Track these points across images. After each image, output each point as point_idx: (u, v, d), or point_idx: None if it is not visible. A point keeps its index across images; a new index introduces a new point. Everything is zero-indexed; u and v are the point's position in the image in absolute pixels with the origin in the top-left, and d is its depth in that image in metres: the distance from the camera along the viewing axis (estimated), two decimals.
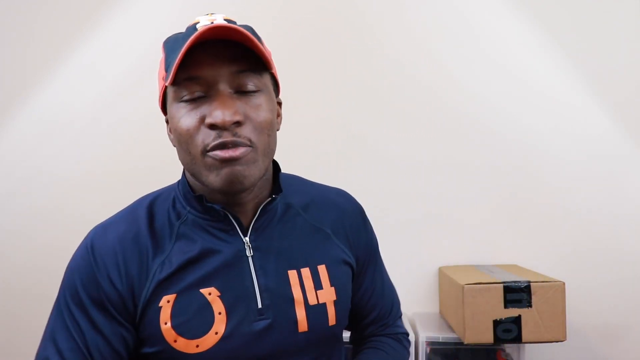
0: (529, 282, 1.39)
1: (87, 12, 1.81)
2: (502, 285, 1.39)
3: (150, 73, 1.87)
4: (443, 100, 1.76)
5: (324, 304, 0.84)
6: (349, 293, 0.89)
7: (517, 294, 1.38)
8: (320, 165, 1.75)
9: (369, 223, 0.98)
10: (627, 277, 1.71)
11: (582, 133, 1.73)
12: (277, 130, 0.84)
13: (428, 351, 1.51)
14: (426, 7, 1.77)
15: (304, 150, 1.76)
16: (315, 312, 0.83)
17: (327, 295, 0.84)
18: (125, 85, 1.81)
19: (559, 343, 1.40)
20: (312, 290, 0.83)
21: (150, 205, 0.86)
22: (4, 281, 1.79)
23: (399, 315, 1.04)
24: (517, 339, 1.39)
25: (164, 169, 1.84)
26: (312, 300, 0.83)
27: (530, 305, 1.38)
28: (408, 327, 1.56)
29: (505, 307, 1.38)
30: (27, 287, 1.78)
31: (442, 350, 1.54)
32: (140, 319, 0.78)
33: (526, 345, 1.54)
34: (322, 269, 0.85)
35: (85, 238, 0.83)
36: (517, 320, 1.38)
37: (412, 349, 1.48)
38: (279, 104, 0.87)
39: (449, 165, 1.76)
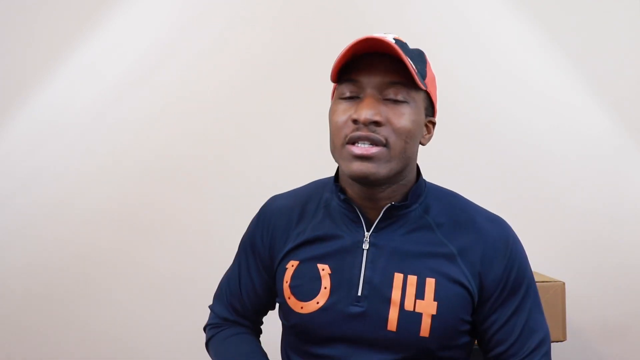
0: None
1: (87, 12, 1.81)
2: None
3: (151, 73, 1.88)
4: (443, 100, 1.75)
5: (420, 314, 0.87)
6: (457, 314, 0.89)
7: None
8: (320, 166, 1.74)
9: (518, 256, 0.95)
10: (627, 277, 1.71)
11: (582, 133, 1.73)
12: (422, 144, 0.94)
13: None
14: (426, 7, 1.77)
15: (304, 150, 1.76)
16: (408, 317, 0.87)
17: (426, 307, 0.87)
18: (126, 85, 1.81)
19: (559, 343, 1.40)
20: (412, 297, 0.88)
21: (313, 188, 1.02)
22: (4, 280, 1.79)
23: None
24: None
25: (164, 168, 1.85)
26: (409, 306, 0.87)
27: None
28: None
29: None
30: (28, 286, 1.78)
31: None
32: (275, 273, 0.97)
33: None
34: (429, 282, 0.88)
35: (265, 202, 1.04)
36: None
37: None
38: (433, 123, 0.97)
39: (449, 165, 1.76)
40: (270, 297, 1.01)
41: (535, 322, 0.94)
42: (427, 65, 0.94)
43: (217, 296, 1.07)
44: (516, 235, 0.98)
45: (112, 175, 1.79)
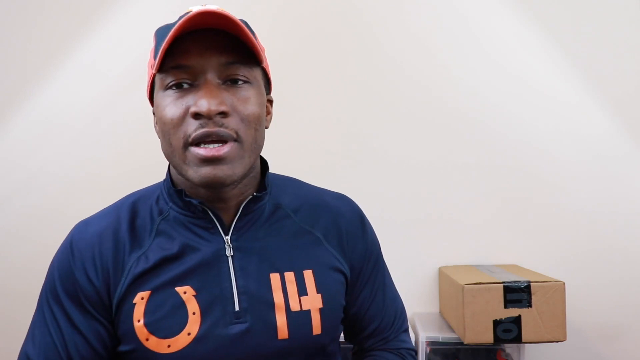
0: (529, 282, 1.39)
1: (87, 12, 1.81)
2: (502, 285, 1.39)
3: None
4: (442, 100, 1.76)
5: (308, 311, 0.79)
6: (339, 301, 0.84)
7: (517, 294, 1.38)
8: (320, 166, 1.75)
9: (370, 230, 0.93)
10: (627, 277, 1.71)
11: (582, 133, 1.73)
12: (267, 127, 0.83)
13: (428, 351, 1.51)
14: (426, 7, 1.77)
15: (303, 150, 1.76)
16: (298, 319, 0.78)
17: (312, 302, 0.80)
18: (126, 85, 1.81)
19: (559, 343, 1.40)
20: (295, 295, 0.79)
21: (135, 202, 0.84)
22: (3, 281, 1.79)
23: (403, 329, 0.96)
24: (517, 339, 1.38)
25: (164, 169, 1.85)
26: (295, 307, 0.78)
27: (530, 305, 1.38)
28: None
29: (505, 307, 1.38)
30: (26, 288, 1.78)
31: (442, 350, 1.54)
32: (115, 315, 0.77)
33: (526, 345, 1.54)
34: (308, 274, 0.81)
35: (68, 233, 0.83)
36: (517, 320, 1.38)
37: None
38: (270, 101, 0.86)
39: (449, 165, 1.76)
40: (108, 348, 0.78)
41: (394, 291, 0.96)
42: (256, 36, 0.81)
43: None
44: (362, 210, 0.95)
45: (112, 176, 1.79)
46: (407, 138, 1.77)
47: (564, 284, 1.39)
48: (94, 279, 0.77)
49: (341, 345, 0.94)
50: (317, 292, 0.80)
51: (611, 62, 1.72)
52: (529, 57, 1.74)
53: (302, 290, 0.80)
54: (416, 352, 0.98)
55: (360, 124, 1.77)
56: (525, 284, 1.38)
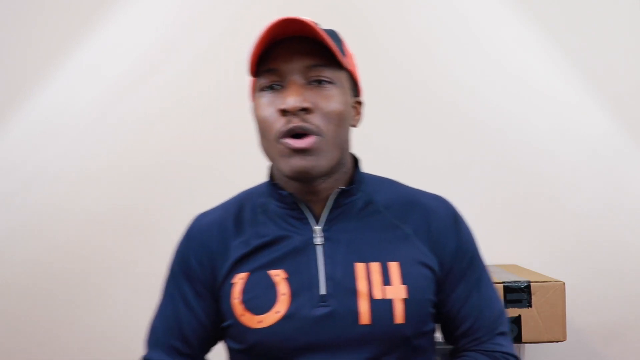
0: (529, 282, 1.39)
1: (87, 12, 1.81)
2: (502, 285, 1.39)
3: (151, 72, 1.88)
4: (443, 100, 1.76)
5: (390, 300, 0.83)
6: (426, 296, 0.86)
7: (517, 294, 1.38)
8: None
9: (465, 229, 0.95)
10: (627, 277, 1.71)
11: (582, 132, 1.73)
12: (354, 126, 0.91)
13: None
14: (426, 7, 1.77)
15: None
16: (380, 306, 0.82)
17: (396, 292, 0.83)
18: (126, 85, 1.81)
19: (559, 343, 1.40)
20: (379, 284, 0.83)
21: (242, 198, 0.95)
22: (5, 280, 1.79)
23: (499, 331, 0.92)
24: (517, 339, 1.38)
25: (165, 169, 1.85)
26: (378, 295, 0.83)
27: (530, 305, 1.38)
28: None
29: (505, 307, 1.38)
30: (28, 286, 1.78)
31: (442, 350, 1.54)
32: (219, 293, 0.88)
33: (526, 345, 1.54)
34: (393, 266, 0.85)
35: (189, 223, 0.96)
36: (517, 320, 1.38)
37: None
38: (359, 103, 0.93)
39: (449, 165, 1.76)
40: (216, 324, 0.90)
41: (492, 292, 0.95)
42: (344, 43, 0.91)
43: (151, 342, 0.94)
44: (459, 210, 0.97)
45: (112, 176, 1.79)
46: (407, 138, 1.77)
47: (564, 284, 1.39)
48: (204, 262, 0.89)
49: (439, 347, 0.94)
50: (402, 283, 0.84)
51: (611, 62, 1.72)
52: (529, 57, 1.74)
53: (386, 280, 0.84)
54: (517, 358, 0.93)
55: (360, 123, 1.77)
56: (525, 284, 1.38)
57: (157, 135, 1.80)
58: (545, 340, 1.39)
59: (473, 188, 1.76)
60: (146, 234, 1.77)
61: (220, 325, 0.89)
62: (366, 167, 1.79)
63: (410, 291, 0.84)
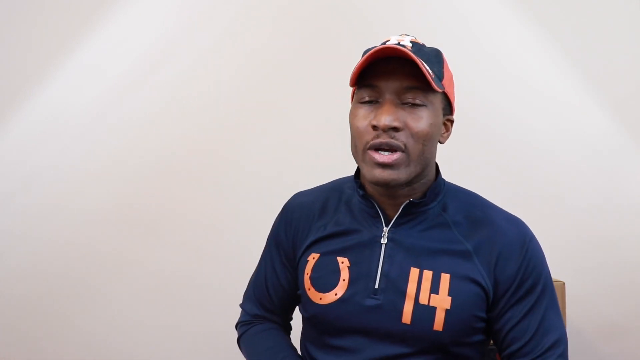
0: None
1: (87, 12, 1.81)
2: None
3: (151, 72, 1.87)
4: None
5: (434, 308, 0.89)
6: (471, 311, 0.91)
7: None
8: (320, 165, 1.75)
9: (534, 256, 0.94)
10: (627, 277, 1.71)
11: (582, 132, 1.73)
12: (441, 143, 0.97)
13: None
14: (426, 7, 1.77)
15: (304, 150, 1.76)
16: (422, 310, 0.89)
17: (441, 301, 0.89)
18: (126, 84, 1.81)
19: None
20: (427, 291, 0.90)
21: (333, 186, 1.05)
22: (3, 280, 1.79)
23: (553, 357, 0.92)
24: None
25: (165, 168, 1.85)
26: (423, 300, 0.90)
27: None
28: None
29: None
30: (28, 286, 1.78)
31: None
32: (297, 265, 1.01)
33: None
34: (444, 277, 0.91)
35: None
36: None
37: None
38: (451, 121, 0.99)
39: (449, 164, 1.75)
40: (295, 290, 1.04)
41: (551, 322, 0.94)
42: (444, 65, 0.96)
43: (247, 294, 1.11)
44: (534, 236, 0.99)
45: (113, 175, 1.79)
46: None
47: (564, 283, 1.39)
48: (290, 237, 1.03)
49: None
50: (448, 295, 0.90)
51: (611, 62, 1.72)
52: (529, 57, 1.74)
53: (434, 289, 0.90)
54: None
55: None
56: None
57: (157, 135, 1.80)
58: None
59: (473, 188, 1.75)
60: (147, 233, 1.77)
61: (297, 292, 1.02)
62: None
63: (454, 303, 0.90)
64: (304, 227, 1.01)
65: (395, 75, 0.89)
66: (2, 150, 1.82)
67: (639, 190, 1.73)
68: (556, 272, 1.59)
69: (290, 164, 1.76)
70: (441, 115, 0.94)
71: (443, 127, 0.96)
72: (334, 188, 1.05)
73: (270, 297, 1.07)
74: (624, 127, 1.72)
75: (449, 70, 0.97)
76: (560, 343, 0.94)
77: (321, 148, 1.78)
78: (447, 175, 1.83)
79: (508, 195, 1.75)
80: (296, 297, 1.05)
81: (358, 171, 1.00)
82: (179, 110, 1.79)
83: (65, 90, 1.82)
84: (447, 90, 0.94)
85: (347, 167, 1.75)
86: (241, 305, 1.12)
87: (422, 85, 0.89)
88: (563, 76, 1.73)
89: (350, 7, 1.77)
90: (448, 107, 0.97)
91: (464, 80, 1.77)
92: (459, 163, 1.76)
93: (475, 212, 0.98)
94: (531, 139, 1.74)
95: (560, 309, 1.36)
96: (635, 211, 1.72)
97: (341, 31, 1.78)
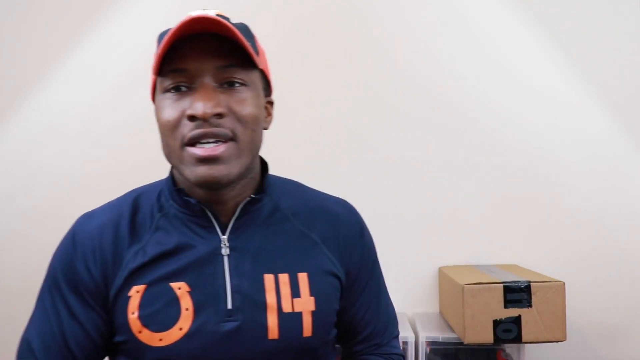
0: (529, 282, 1.39)
1: (87, 12, 1.81)
2: (502, 285, 1.39)
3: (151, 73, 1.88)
4: (442, 100, 1.76)
5: (300, 313, 0.80)
6: (332, 306, 0.85)
7: (517, 294, 1.38)
8: (319, 165, 1.75)
9: (368, 236, 0.93)
10: (627, 277, 1.71)
11: (582, 133, 1.73)
12: (266, 129, 0.84)
13: (428, 351, 1.51)
14: (426, 7, 1.77)
15: (303, 150, 1.76)
16: (289, 320, 0.79)
17: (305, 304, 0.80)
18: (125, 85, 1.81)
19: (559, 343, 1.40)
20: (289, 297, 0.80)
21: (137, 197, 0.86)
22: (5, 280, 1.79)
23: (394, 335, 0.97)
24: (517, 339, 1.39)
25: (165, 169, 1.85)
26: (287, 308, 0.79)
27: (530, 305, 1.38)
28: (407, 328, 1.56)
29: (505, 307, 1.38)
30: (26, 286, 1.77)
31: (442, 350, 1.54)
32: (112, 306, 0.79)
33: (526, 345, 1.54)
34: (302, 277, 0.81)
35: (72, 225, 0.86)
36: (517, 320, 1.38)
37: (412, 349, 1.48)
38: (271, 103, 0.87)
39: (449, 164, 1.76)
40: (106, 338, 0.81)
41: (387, 298, 0.97)
42: (256, 39, 0.83)
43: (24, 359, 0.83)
44: (361, 216, 0.95)
45: (112, 176, 1.79)
46: (407, 138, 1.77)
47: (564, 284, 1.39)
48: (93, 271, 0.79)
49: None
50: (311, 295, 0.81)
51: (611, 62, 1.72)
52: (529, 57, 1.74)
53: (295, 292, 0.81)
54: (404, 357, 0.98)
55: (360, 123, 1.77)
56: (525, 284, 1.38)
57: (157, 135, 1.79)
58: (545, 340, 1.39)
59: (473, 188, 1.76)
60: None
61: (113, 340, 0.80)
62: (366, 167, 1.79)
63: (317, 303, 0.81)
64: (114, 257, 0.79)
65: (208, 54, 0.74)
66: (2, 151, 1.82)
67: (639, 190, 1.72)
68: (556, 273, 1.60)
69: (291, 164, 1.75)
70: (263, 97, 0.82)
71: (265, 111, 0.83)
72: (137, 200, 0.85)
73: (72, 354, 0.79)
74: (624, 127, 1.72)
75: (261, 46, 0.85)
76: (395, 316, 0.98)
77: (323, 147, 1.78)
78: (446, 174, 1.84)
79: (507, 195, 1.75)
80: (106, 348, 0.82)
81: (168, 180, 0.85)
82: None
83: (65, 90, 1.82)
84: (264, 67, 0.83)
85: (351, 166, 1.76)
86: None
87: (240, 62, 0.75)
88: (563, 76, 1.73)
89: (350, 7, 1.77)
90: (267, 87, 0.85)
91: (463, 80, 1.77)
92: (458, 163, 1.76)
93: (308, 200, 0.89)
94: (531, 139, 1.74)
95: (560, 309, 1.37)
96: (635, 211, 1.72)
97: (341, 31, 1.78)
